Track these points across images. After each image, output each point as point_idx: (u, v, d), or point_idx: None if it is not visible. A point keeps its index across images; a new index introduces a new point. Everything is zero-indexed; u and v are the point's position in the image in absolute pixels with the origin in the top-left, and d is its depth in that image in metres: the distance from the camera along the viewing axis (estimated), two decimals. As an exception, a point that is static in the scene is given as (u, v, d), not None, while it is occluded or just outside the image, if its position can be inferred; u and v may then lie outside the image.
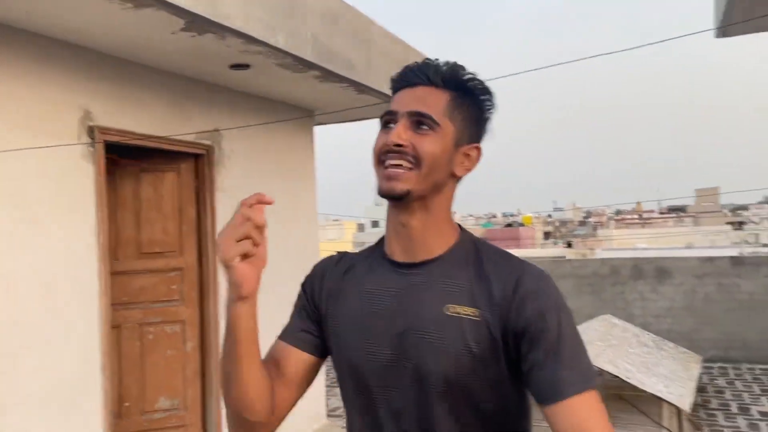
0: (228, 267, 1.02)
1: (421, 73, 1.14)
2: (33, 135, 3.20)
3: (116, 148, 3.81)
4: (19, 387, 3.10)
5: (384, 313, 1.12)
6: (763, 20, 3.51)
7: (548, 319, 1.05)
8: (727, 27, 3.73)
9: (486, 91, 1.18)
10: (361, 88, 4.78)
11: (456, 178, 1.16)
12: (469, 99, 1.15)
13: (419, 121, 1.10)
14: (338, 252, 1.28)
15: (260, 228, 1.02)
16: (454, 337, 1.06)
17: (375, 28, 4.90)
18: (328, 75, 4.35)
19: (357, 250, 1.28)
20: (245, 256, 1.03)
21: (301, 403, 1.22)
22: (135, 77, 3.82)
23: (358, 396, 1.16)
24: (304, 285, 1.27)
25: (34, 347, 3.18)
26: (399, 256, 1.15)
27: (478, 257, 1.13)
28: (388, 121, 1.13)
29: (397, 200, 1.10)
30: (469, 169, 1.16)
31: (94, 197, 3.53)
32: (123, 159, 4.09)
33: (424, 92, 1.12)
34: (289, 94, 4.90)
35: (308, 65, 4.09)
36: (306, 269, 1.29)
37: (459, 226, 1.19)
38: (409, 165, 1.08)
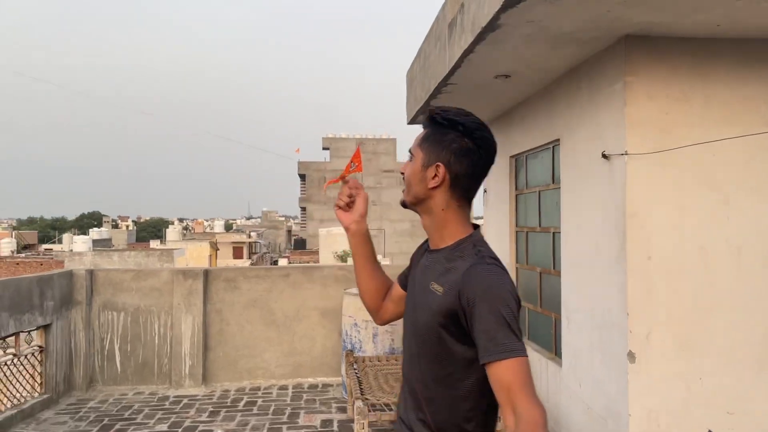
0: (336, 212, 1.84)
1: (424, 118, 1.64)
2: (727, 128, 3.78)
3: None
4: (712, 337, 3.77)
5: (415, 283, 1.68)
6: None
7: (475, 303, 1.41)
8: None
9: (447, 120, 1.55)
10: None
11: (441, 191, 1.56)
12: (436, 130, 1.57)
13: (410, 153, 1.64)
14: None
15: (349, 194, 1.80)
16: (428, 302, 1.55)
17: None
18: None
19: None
20: (347, 207, 1.82)
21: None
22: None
23: (403, 336, 1.75)
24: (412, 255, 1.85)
25: (724, 305, 3.78)
26: (430, 245, 1.67)
27: (463, 253, 1.55)
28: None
29: (404, 207, 1.66)
30: (437, 183, 1.56)
31: (789, 179, 3.79)
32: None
33: (421, 132, 1.64)
34: None
35: None
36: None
37: (474, 228, 1.60)
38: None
